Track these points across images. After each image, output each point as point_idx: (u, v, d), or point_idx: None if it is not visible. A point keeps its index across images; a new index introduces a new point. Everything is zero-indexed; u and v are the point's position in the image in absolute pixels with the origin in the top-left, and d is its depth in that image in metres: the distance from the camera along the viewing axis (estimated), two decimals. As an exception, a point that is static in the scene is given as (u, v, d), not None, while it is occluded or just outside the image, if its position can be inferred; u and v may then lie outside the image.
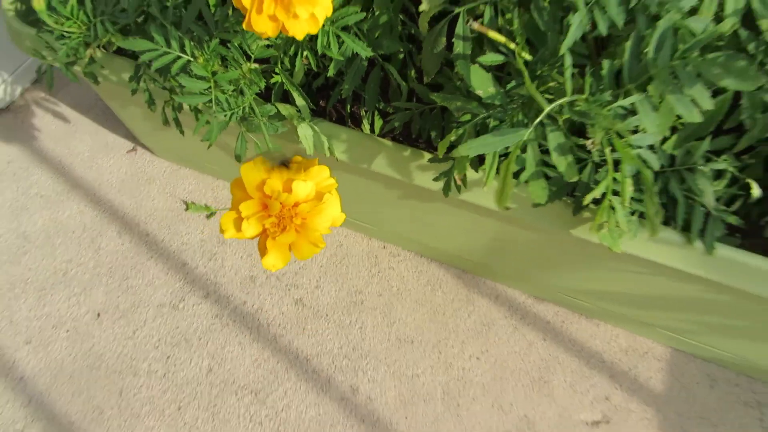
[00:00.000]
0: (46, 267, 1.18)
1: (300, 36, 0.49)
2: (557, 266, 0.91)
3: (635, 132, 0.53)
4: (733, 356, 0.94)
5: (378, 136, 0.78)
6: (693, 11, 0.53)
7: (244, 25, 0.49)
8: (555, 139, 0.51)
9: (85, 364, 1.06)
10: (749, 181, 0.67)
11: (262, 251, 0.54)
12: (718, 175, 0.69)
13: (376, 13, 0.64)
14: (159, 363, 1.05)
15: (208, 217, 1.23)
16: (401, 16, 0.70)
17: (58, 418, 1.01)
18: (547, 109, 0.50)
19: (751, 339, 0.85)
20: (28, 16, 0.94)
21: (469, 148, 0.50)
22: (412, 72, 0.76)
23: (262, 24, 0.48)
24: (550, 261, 0.91)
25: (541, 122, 0.51)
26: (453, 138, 0.56)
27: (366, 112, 0.78)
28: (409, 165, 0.74)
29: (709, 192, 0.64)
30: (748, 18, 0.56)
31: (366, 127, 0.80)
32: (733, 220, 0.66)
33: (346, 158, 0.77)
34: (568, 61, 0.51)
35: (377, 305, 1.09)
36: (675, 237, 0.67)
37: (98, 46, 0.73)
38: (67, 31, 0.71)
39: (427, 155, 0.73)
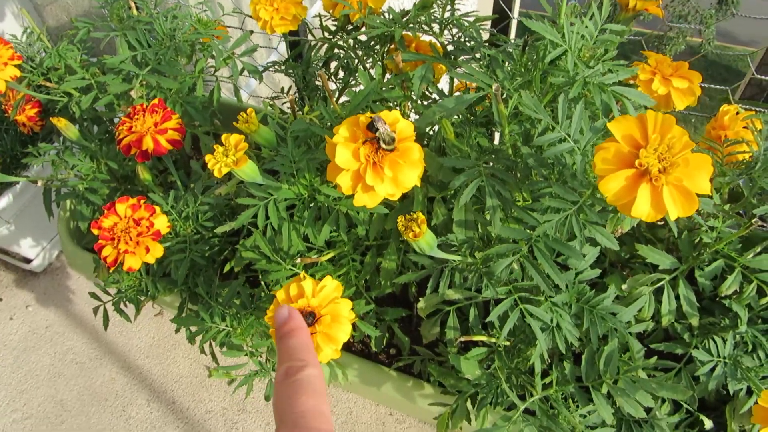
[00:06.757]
0: (81, 437, 1.29)
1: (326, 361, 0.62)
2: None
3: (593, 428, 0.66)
4: None
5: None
6: (637, 320, 0.67)
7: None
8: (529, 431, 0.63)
9: None
10: (702, 417, 0.79)
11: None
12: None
13: (385, 289, 0.78)
14: None
15: (230, 383, 1.34)
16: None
17: None
18: (522, 407, 0.63)
19: None
20: (81, 238, 1.10)
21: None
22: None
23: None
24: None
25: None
26: (450, 412, 0.69)
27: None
28: (412, 393, 0.87)
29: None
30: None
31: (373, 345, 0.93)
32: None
33: (359, 381, 0.90)
34: (538, 367, 0.64)
35: (385, 475, 1.19)
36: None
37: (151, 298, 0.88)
38: (125, 288, 0.86)
39: (428, 386, 0.85)
